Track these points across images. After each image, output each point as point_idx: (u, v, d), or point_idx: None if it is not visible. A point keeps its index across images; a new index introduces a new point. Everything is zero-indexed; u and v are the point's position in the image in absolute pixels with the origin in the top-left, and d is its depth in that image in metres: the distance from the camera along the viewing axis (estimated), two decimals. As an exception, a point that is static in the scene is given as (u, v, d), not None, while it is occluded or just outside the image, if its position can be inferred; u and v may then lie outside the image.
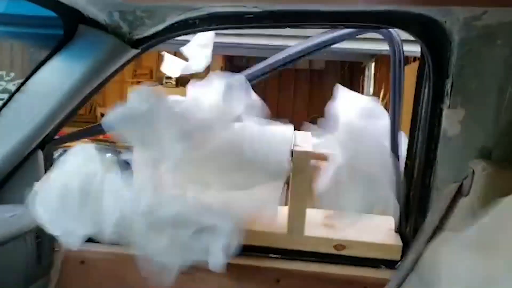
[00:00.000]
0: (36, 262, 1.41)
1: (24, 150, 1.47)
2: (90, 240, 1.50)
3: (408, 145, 1.42)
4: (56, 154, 1.80)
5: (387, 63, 7.94)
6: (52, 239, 1.51)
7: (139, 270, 1.41)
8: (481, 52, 1.20)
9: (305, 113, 11.67)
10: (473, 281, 0.94)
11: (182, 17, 1.32)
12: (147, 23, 1.32)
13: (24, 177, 1.52)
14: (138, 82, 9.39)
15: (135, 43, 1.39)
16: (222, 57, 11.19)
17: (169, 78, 9.24)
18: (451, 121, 1.26)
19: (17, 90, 1.39)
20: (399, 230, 1.47)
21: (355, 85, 11.37)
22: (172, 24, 1.34)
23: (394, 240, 1.46)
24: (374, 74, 9.11)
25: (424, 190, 1.36)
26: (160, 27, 1.35)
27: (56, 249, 1.52)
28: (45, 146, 1.56)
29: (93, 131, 1.68)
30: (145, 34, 1.37)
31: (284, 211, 1.48)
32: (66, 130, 1.67)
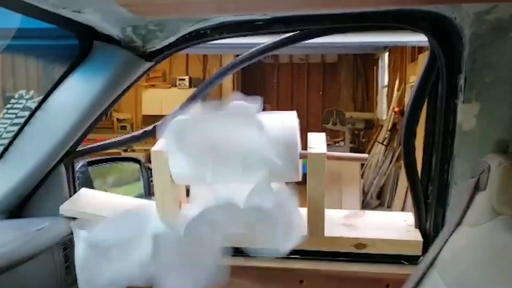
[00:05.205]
0: (64, 273, 1.46)
1: (47, 165, 1.51)
2: None
3: (424, 140, 1.42)
4: (77, 166, 1.85)
5: (401, 53, 7.85)
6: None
7: None
8: (494, 46, 1.19)
9: (319, 106, 11.63)
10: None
11: (194, 27, 1.34)
12: (159, 36, 1.35)
13: (48, 191, 1.57)
14: (153, 85, 9.46)
15: (149, 56, 1.42)
16: (234, 56, 11.21)
17: (182, 79, 9.30)
18: (466, 115, 1.26)
19: (38, 108, 1.43)
20: (419, 225, 1.48)
21: (369, 76, 11.29)
22: (184, 35, 1.36)
23: (414, 235, 1.46)
24: (388, 64, 9.01)
25: (442, 185, 1.35)
26: (173, 38, 1.37)
27: None
28: (67, 160, 1.60)
29: (112, 144, 1.71)
30: (158, 47, 1.40)
31: (302, 212, 1.49)
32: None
